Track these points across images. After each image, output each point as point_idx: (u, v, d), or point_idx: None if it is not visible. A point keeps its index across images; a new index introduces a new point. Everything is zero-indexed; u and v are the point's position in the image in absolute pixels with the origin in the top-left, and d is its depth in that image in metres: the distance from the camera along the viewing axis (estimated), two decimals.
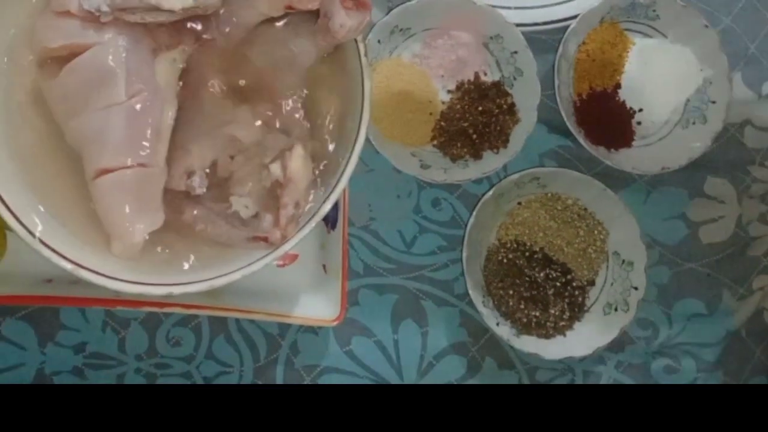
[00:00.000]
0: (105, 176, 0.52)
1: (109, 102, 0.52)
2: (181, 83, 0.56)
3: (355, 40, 0.56)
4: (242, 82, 0.57)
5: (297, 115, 0.57)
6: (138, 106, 0.52)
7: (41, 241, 0.51)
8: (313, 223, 0.55)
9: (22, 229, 0.51)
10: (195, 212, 0.55)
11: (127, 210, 0.52)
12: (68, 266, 0.51)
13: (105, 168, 0.52)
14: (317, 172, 0.58)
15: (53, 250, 0.51)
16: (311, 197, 0.57)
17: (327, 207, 0.55)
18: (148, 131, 0.53)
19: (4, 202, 0.51)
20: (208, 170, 0.55)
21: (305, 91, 0.58)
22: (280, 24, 0.57)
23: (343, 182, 0.55)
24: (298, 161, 0.55)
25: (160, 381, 0.73)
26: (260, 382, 0.74)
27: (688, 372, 0.80)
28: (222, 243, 0.55)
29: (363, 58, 0.56)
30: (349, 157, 0.56)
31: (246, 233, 0.55)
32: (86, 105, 0.52)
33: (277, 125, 0.56)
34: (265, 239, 0.54)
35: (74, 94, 0.52)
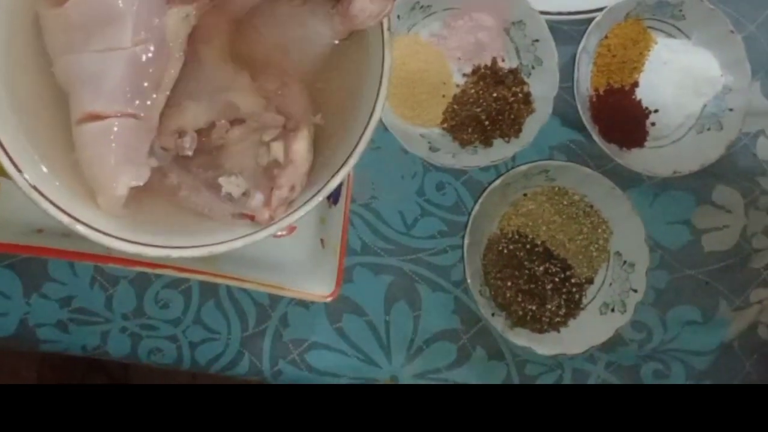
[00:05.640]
0: (94, 123, 0.50)
1: (112, 45, 0.50)
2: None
3: None
4: (248, 52, 0.55)
5: (302, 99, 0.55)
6: (142, 55, 0.50)
7: (39, 192, 0.49)
8: (320, 197, 0.53)
9: (21, 178, 0.49)
10: (180, 177, 0.53)
11: (113, 161, 0.50)
12: (65, 220, 0.49)
13: (96, 113, 0.50)
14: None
15: (51, 202, 0.49)
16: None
17: (336, 181, 0.53)
18: (148, 82, 0.50)
19: (4, 150, 0.49)
20: (202, 131, 0.53)
21: (314, 74, 0.56)
22: (297, 1, 0.55)
23: (355, 158, 0.53)
24: (302, 144, 0.53)
25: (145, 342, 0.72)
26: (246, 352, 0.73)
27: (677, 378, 0.79)
28: (202, 213, 0.53)
29: (386, 32, 0.53)
30: (363, 134, 0.54)
31: (231, 208, 0.53)
32: (86, 43, 0.50)
33: (280, 104, 0.54)
34: (252, 217, 0.52)
35: (76, 28, 0.50)
